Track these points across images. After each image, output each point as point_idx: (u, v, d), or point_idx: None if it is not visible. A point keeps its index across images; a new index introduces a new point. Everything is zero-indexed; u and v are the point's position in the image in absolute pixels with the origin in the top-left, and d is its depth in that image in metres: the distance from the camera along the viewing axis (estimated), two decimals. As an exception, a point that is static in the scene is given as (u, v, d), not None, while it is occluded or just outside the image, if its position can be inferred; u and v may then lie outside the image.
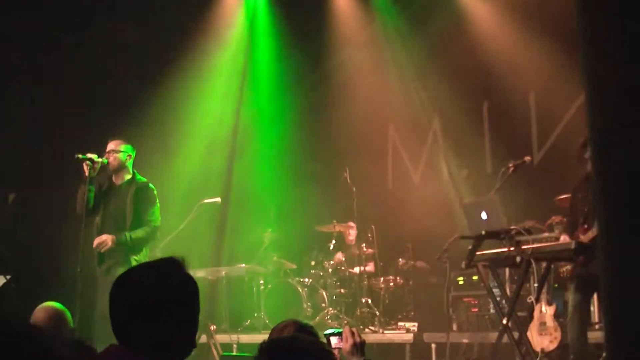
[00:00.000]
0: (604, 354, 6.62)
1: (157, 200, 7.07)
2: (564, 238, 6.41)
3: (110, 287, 2.46)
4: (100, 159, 6.76)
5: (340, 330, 3.44)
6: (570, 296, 6.54)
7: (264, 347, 2.39)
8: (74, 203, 6.89)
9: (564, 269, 6.85)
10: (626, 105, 2.30)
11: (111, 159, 6.95)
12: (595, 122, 2.43)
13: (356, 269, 9.92)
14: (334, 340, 3.40)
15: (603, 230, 2.39)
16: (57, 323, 4.31)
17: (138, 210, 6.92)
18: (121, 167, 7.03)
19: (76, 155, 6.71)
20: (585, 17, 2.53)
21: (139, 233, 6.86)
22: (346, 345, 3.34)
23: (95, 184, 6.87)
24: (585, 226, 6.34)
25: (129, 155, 7.08)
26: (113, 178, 7.10)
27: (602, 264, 2.37)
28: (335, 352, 3.35)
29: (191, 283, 2.48)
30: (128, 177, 7.10)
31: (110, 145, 7.03)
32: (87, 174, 6.70)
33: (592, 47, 2.46)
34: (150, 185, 7.08)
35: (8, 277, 9.12)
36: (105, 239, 6.76)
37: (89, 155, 6.71)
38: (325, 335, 3.45)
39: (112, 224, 6.94)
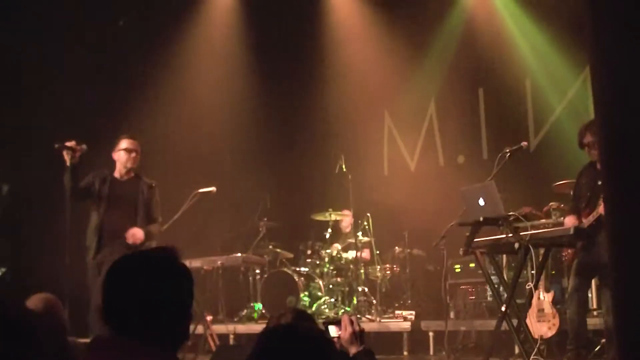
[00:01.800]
0: (602, 340, 6.62)
1: None
2: (570, 220, 6.38)
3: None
4: (80, 146, 6.70)
5: (338, 318, 3.39)
6: (571, 280, 6.52)
7: (263, 334, 2.35)
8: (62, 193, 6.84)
9: (565, 253, 6.82)
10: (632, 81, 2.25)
11: (133, 158, 7.11)
12: (601, 97, 2.37)
13: (351, 254, 9.87)
14: (332, 329, 3.35)
15: (610, 210, 2.34)
16: (51, 312, 4.26)
17: (150, 207, 7.12)
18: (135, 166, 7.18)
19: (55, 145, 6.66)
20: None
21: (154, 228, 7.08)
22: (345, 333, 3.29)
23: (79, 172, 6.84)
24: (587, 210, 6.32)
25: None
26: (117, 173, 7.13)
27: (609, 245, 2.32)
28: (334, 340, 3.30)
29: (186, 272, 2.45)
30: (132, 173, 7.20)
31: (130, 144, 7.14)
32: (68, 162, 6.65)
33: (599, 24, 2.39)
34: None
35: (3, 269, 9.08)
36: (137, 232, 6.84)
37: (68, 144, 6.65)
38: (323, 323, 3.40)
39: (119, 217, 6.95)
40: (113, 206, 6.99)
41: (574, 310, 6.41)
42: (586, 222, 6.24)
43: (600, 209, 6.08)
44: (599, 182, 6.25)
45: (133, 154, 7.10)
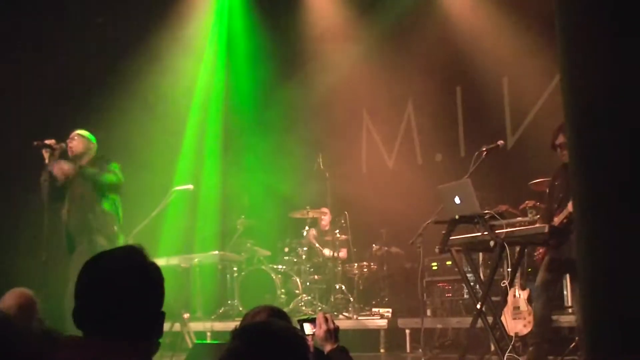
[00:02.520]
0: (577, 338, 6.67)
1: None
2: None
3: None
4: (59, 145, 6.67)
5: (313, 316, 3.40)
6: (539, 275, 6.57)
7: (236, 332, 2.35)
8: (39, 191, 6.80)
9: (537, 252, 6.87)
10: (603, 87, 2.28)
11: (70, 146, 7.04)
12: (571, 104, 2.41)
13: (326, 251, 9.90)
14: (307, 327, 3.36)
15: (578, 209, 2.37)
16: (26, 310, 4.24)
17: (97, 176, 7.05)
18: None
19: (34, 143, 6.62)
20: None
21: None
22: (320, 331, 3.30)
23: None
24: (559, 211, 6.38)
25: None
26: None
27: (577, 243, 2.35)
28: (309, 338, 3.31)
29: (157, 270, 2.43)
30: (83, 162, 7.18)
31: (70, 136, 7.12)
32: (46, 160, 6.62)
33: (569, 30, 2.43)
34: None
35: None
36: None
37: (47, 142, 6.62)
38: (298, 321, 3.40)
39: (78, 209, 6.95)
40: (70, 203, 7.05)
41: (541, 304, 6.47)
42: (557, 220, 6.30)
43: (570, 207, 6.15)
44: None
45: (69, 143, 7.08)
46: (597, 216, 2.23)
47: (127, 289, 2.32)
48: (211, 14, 11.54)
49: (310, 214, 10.14)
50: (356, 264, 9.80)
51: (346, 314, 9.11)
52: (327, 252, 9.93)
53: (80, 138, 7.04)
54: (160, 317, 2.41)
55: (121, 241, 6.94)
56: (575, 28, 2.45)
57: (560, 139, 6.40)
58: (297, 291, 9.64)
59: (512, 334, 6.47)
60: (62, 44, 9.93)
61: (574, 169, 2.40)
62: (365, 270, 9.82)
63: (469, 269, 7.26)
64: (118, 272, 2.35)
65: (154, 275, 2.42)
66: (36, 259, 6.55)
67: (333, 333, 3.31)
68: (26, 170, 7.52)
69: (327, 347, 3.29)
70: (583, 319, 2.40)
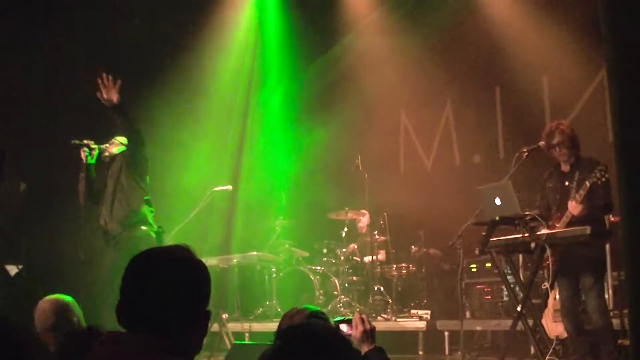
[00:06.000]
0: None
1: None
2: (542, 227, 6.37)
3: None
4: (96, 146, 6.70)
5: (350, 317, 3.38)
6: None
7: (280, 332, 2.35)
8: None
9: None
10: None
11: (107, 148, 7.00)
12: (619, 101, 2.36)
13: (367, 259, 9.89)
14: (343, 328, 3.35)
15: (625, 209, 2.33)
16: (61, 314, 4.30)
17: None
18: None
19: (73, 141, 6.68)
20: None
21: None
22: (356, 332, 3.29)
23: (95, 172, 6.82)
24: (559, 214, 6.32)
25: None
26: None
27: (626, 247, 2.31)
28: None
29: (205, 269, 2.44)
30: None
31: None
32: (84, 160, 6.66)
33: (617, 28, 2.38)
34: None
35: (20, 266, 9.13)
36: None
37: (86, 142, 6.66)
38: (334, 322, 3.39)
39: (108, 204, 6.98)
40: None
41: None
42: (560, 225, 6.23)
43: (571, 209, 6.12)
44: (566, 184, 6.34)
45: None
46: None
47: (174, 286, 2.32)
48: (248, 16, 11.56)
49: (349, 215, 10.13)
50: (394, 266, 9.76)
51: (384, 316, 9.08)
52: (366, 259, 9.92)
53: (120, 145, 7.07)
54: (205, 317, 2.41)
55: (161, 234, 6.90)
56: (623, 27, 2.39)
57: (558, 138, 6.35)
58: (335, 292, 9.63)
59: (552, 337, 6.39)
60: (101, 44, 10.02)
61: (620, 169, 2.35)
62: (404, 271, 9.78)
63: (509, 271, 7.18)
64: (166, 269, 2.35)
65: (202, 274, 2.42)
66: (75, 259, 6.62)
67: (370, 334, 3.29)
68: (65, 170, 7.58)
69: (364, 348, 3.28)
70: (632, 320, 2.35)
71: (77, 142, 6.69)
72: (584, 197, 6.08)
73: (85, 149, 6.66)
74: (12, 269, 9.02)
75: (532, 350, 6.79)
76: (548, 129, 6.55)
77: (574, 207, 6.14)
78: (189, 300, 2.35)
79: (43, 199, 9.86)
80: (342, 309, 9.30)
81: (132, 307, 2.33)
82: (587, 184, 6.02)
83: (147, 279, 2.34)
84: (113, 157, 6.87)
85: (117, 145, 6.92)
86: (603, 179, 5.92)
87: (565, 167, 6.51)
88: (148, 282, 2.32)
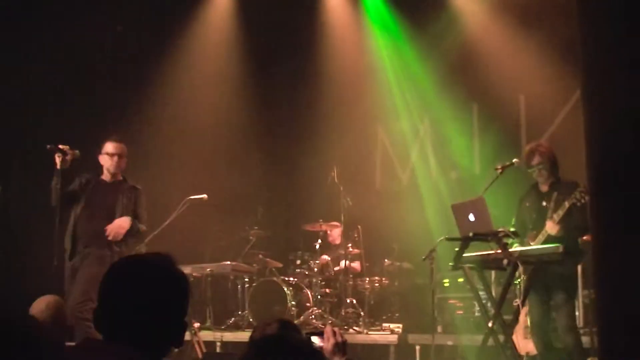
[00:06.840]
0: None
1: None
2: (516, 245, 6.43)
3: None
4: (72, 151, 6.66)
5: (321, 330, 3.38)
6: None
7: (252, 343, 2.34)
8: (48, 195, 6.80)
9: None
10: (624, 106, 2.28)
11: (116, 162, 7.06)
12: (593, 124, 2.41)
13: (337, 268, 9.91)
14: (315, 340, 3.34)
15: (597, 229, 2.37)
16: (55, 313, 4.34)
17: (135, 209, 7.09)
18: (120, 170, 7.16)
19: (48, 146, 6.63)
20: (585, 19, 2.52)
21: (141, 226, 7.10)
22: (328, 344, 3.28)
23: (68, 177, 6.81)
24: (534, 232, 6.41)
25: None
26: (104, 176, 7.12)
27: (596, 266, 2.35)
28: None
29: (185, 280, 2.42)
30: (119, 177, 7.20)
31: (114, 149, 7.10)
32: (58, 165, 6.61)
33: (592, 51, 2.43)
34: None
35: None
36: (123, 222, 6.85)
37: (61, 147, 6.62)
38: (306, 334, 3.39)
39: (97, 220, 6.92)
40: (90, 209, 6.96)
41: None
42: (535, 243, 6.32)
43: (548, 229, 6.21)
44: (544, 204, 6.43)
45: (115, 158, 7.06)
46: (619, 236, 2.23)
47: (154, 296, 2.31)
48: (228, 18, 11.53)
49: (323, 227, 10.14)
50: (367, 279, 9.78)
51: (357, 328, 9.08)
52: (337, 268, 9.95)
53: (123, 159, 7.13)
54: (182, 327, 2.39)
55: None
56: (598, 50, 2.44)
57: (537, 159, 6.45)
58: (308, 304, 9.62)
59: (522, 353, 6.43)
60: (82, 51, 9.98)
61: (594, 189, 2.40)
62: (377, 285, 9.79)
63: (481, 287, 7.22)
64: (146, 278, 2.34)
65: (182, 285, 2.40)
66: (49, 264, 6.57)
67: (341, 346, 3.29)
68: (41, 173, 7.52)
69: (336, 361, 3.28)
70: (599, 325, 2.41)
71: (51, 147, 6.65)
72: (562, 217, 6.15)
73: (60, 153, 6.62)
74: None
75: (503, 366, 6.81)
76: (528, 150, 6.63)
77: (551, 227, 6.21)
78: (168, 311, 2.33)
79: (18, 201, 9.77)
80: (314, 321, 9.28)
81: (109, 314, 2.31)
82: (567, 204, 6.10)
83: (126, 287, 2.32)
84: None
85: (125, 158, 7.06)
86: (582, 201, 5.99)
87: (544, 187, 6.59)
88: (127, 291, 2.31)
